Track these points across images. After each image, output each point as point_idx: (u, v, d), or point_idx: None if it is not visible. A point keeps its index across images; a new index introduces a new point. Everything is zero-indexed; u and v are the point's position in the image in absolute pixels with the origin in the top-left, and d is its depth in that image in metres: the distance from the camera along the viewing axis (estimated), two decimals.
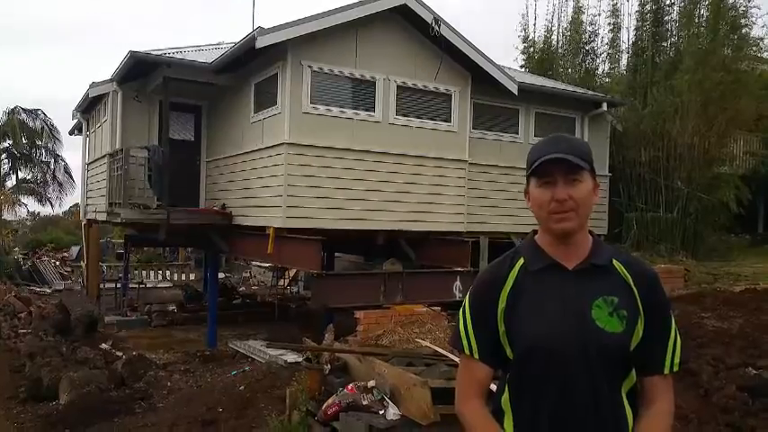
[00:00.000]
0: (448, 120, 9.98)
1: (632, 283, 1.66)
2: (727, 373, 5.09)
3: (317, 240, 7.94)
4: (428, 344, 6.04)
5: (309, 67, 8.74)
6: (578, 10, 18.03)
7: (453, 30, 9.50)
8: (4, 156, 28.59)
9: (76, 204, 29.85)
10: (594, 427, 1.60)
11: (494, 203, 10.96)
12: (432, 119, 9.84)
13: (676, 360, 1.68)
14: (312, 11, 8.68)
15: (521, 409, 1.68)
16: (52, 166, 29.46)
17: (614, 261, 1.70)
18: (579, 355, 1.60)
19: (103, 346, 9.98)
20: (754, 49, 14.78)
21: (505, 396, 1.73)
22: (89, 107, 13.11)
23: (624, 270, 1.69)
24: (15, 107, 27.80)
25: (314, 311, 10.42)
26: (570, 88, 13.13)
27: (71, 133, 17.05)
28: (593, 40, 18.06)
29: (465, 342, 1.75)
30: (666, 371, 1.67)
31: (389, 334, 6.73)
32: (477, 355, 1.73)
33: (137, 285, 15.18)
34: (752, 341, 5.95)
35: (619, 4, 17.00)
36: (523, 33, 19.14)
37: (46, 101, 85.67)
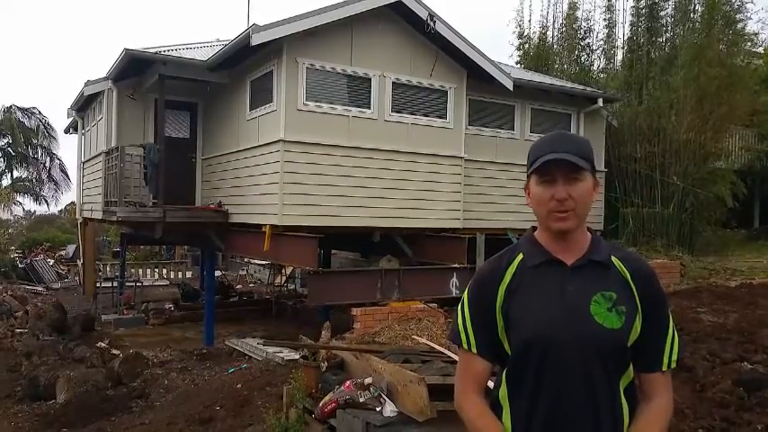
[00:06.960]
0: (444, 116, 9.97)
1: (630, 280, 1.67)
2: (723, 368, 5.10)
3: (313, 238, 7.94)
4: (425, 340, 6.03)
5: (305, 64, 8.72)
6: (573, 6, 18.04)
7: (449, 26, 9.48)
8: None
9: (72, 203, 29.75)
10: (591, 423, 1.60)
11: (490, 200, 10.97)
12: (428, 115, 9.82)
13: (674, 357, 1.68)
14: (307, 8, 8.66)
15: (518, 403, 1.68)
16: (48, 165, 29.38)
17: (612, 257, 1.70)
18: (577, 350, 1.60)
19: (100, 344, 9.96)
20: (748, 44, 14.80)
21: (503, 390, 1.73)
22: (84, 105, 13.06)
23: (622, 266, 1.69)
24: (11, 105, 27.68)
25: (311, 309, 10.43)
26: (566, 84, 13.14)
27: (66, 132, 17.02)
28: (589, 36, 18.07)
29: (464, 337, 1.75)
30: (665, 367, 1.68)
31: (386, 331, 6.73)
32: (475, 350, 1.73)
33: (133, 283, 15.14)
34: (747, 336, 5.98)
35: (614, 0, 17.00)
36: (518, 29, 19.18)
37: (41, 99, 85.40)
